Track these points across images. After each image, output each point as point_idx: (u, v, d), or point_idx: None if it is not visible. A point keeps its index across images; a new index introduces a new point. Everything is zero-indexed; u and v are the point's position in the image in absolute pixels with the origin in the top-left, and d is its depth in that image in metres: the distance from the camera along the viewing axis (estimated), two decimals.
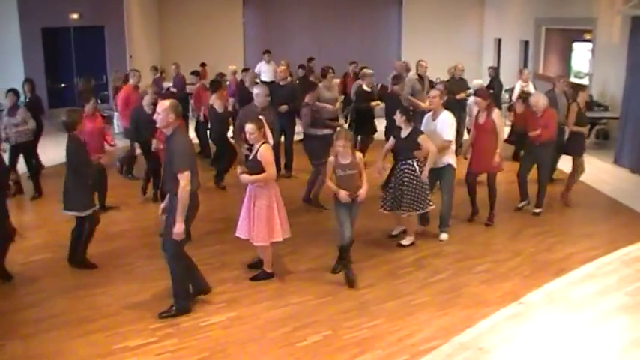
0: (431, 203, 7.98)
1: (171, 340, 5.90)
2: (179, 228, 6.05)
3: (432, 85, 12.56)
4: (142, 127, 9.63)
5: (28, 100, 11.54)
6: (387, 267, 7.50)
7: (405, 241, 8.19)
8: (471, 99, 11.00)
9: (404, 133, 7.95)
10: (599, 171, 11.74)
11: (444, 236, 8.45)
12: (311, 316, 6.35)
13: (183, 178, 6.01)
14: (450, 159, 8.31)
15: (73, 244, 7.57)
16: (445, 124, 8.26)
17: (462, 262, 7.79)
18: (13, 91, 10.48)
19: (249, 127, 6.87)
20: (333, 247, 7.46)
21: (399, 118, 7.97)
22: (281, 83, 11.87)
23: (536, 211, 9.51)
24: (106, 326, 6.15)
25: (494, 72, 15.10)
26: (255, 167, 6.86)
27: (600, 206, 10.16)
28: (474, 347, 5.76)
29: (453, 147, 8.41)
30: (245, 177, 6.88)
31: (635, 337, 5.96)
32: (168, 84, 17.24)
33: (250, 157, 7.03)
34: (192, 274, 6.59)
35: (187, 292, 6.49)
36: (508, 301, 6.66)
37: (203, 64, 19.07)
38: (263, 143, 6.90)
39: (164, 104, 6.17)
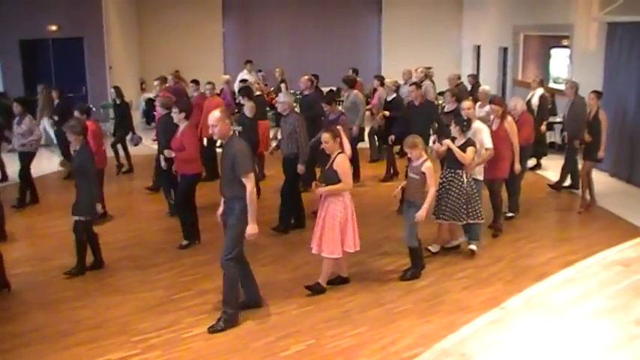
0: (468, 218, 7.92)
1: (153, 352, 5.87)
2: (253, 229, 6.16)
3: None
4: None
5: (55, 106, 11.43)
6: (369, 275, 7.51)
7: (454, 243, 8.39)
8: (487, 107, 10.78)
9: (458, 143, 7.89)
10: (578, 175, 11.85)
11: (472, 247, 8.30)
12: (293, 326, 6.34)
13: (250, 180, 6.08)
14: (479, 172, 8.41)
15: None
16: (483, 132, 8.30)
17: (443, 268, 7.81)
18: (17, 100, 10.66)
19: (324, 136, 6.81)
20: (314, 256, 7.41)
21: (453, 128, 7.97)
22: (305, 93, 11.71)
23: (509, 215, 9.56)
24: (87, 339, 6.09)
25: (474, 79, 15.17)
26: (332, 177, 6.79)
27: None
28: (456, 354, 5.77)
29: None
30: (320, 189, 6.83)
31: (616, 339, 6.00)
32: (148, 95, 17.16)
33: (327, 167, 6.92)
34: (247, 283, 6.59)
35: (237, 301, 6.40)
36: (490, 307, 6.69)
37: (177, 72, 19.17)
38: (339, 153, 6.85)
39: (216, 115, 6.17)
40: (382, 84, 12.99)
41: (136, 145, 12.55)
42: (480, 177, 8.44)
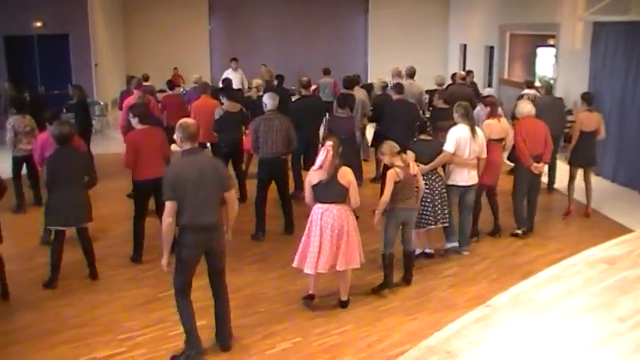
0: (423, 224, 7.71)
1: (139, 350, 5.87)
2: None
3: None
4: None
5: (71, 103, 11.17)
6: (355, 273, 7.48)
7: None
8: (477, 108, 10.67)
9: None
10: (564, 173, 11.90)
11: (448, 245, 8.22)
12: (280, 324, 6.36)
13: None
14: (449, 177, 7.98)
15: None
16: (449, 134, 7.91)
17: (430, 266, 7.85)
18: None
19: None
20: None
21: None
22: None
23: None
24: (73, 338, 6.09)
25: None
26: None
27: (565, 208, 10.28)
28: (442, 351, 5.75)
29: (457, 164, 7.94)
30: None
31: (600, 337, 6.01)
32: None
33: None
34: None
35: None
36: (476, 305, 6.62)
37: (175, 69, 19.29)
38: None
39: None
40: None
41: None
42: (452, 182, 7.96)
